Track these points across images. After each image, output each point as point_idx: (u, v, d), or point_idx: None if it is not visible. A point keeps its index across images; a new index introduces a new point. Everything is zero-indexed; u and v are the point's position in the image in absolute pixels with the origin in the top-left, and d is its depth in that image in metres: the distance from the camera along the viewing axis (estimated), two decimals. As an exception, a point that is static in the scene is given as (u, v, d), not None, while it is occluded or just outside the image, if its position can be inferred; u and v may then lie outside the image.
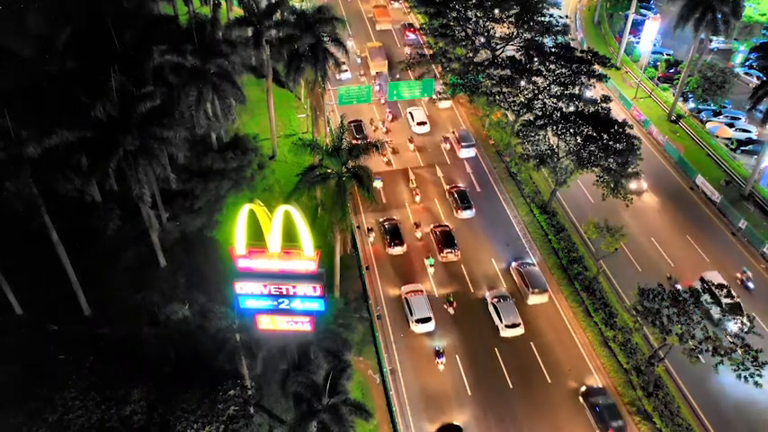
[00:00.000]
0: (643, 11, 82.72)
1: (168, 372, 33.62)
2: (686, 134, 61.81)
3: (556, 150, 47.73)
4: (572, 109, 48.96)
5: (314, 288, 29.85)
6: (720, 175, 55.63)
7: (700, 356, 33.92)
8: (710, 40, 69.98)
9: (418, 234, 47.80)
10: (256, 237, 29.51)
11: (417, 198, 51.21)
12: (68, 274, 39.23)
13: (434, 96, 61.03)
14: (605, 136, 45.36)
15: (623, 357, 39.26)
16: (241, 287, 30.05)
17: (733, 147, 59.84)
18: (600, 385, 37.92)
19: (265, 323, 31.39)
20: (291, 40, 48.24)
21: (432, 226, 48.12)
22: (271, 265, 29.45)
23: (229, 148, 53.36)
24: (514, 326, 40.17)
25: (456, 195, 50.44)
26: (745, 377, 33.02)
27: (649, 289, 36.02)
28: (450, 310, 42.10)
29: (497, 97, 53.95)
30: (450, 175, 54.74)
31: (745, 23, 72.38)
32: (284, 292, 30.03)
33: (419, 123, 59.43)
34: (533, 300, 42.56)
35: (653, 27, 68.47)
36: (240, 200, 46.01)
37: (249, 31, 52.37)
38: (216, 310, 33.06)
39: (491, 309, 41.77)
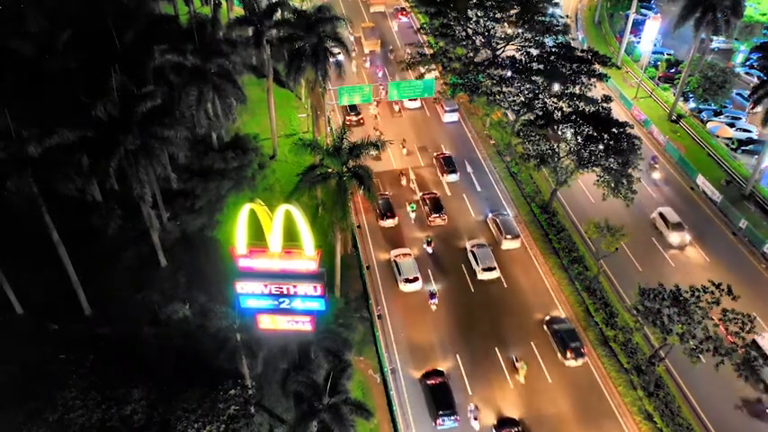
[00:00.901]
0: (643, 10, 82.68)
1: (169, 371, 33.63)
2: (687, 134, 61.79)
3: (556, 150, 47.71)
4: (573, 108, 49.01)
5: (314, 288, 29.85)
6: (721, 175, 55.62)
7: (700, 356, 33.91)
8: (711, 40, 69.91)
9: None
10: (257, 236, 29.51)
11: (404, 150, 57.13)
12: (69, 273, 39.24)
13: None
14: (606, 136, 45.36)
15: (624, 357, 39.27)
16: (242, 287, 30.05)
17: (734, 146, 59.82)
18: (562, 315, 41.99)
19: (266, 323, 31.39)
20: (292, 40, 48.26)
21: (421, 194, 51.27)
22: (271, 265, 29.45)
23: (230, 148, 53.37)
24: (490, 269, 44.24)
25: (442, 161, 54.84)
26: (746, 377, 33.01)
27: (650, 289, 36.00)
28: (429, 249, 47.00)
29: (497, 97, 53.98)
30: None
31: (746, 23, 72.38)
32: (285, 292, 30.03)
33: (411, 98, 62.80)
34: (507, 245, 47.14)
35: (653, 27, 68.44)
36: (241, 199, 46.01)
37: (250, 31, 52.39)
38: (216, 310, 33.07)
39: (470, 255, 45.71)
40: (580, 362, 38.86)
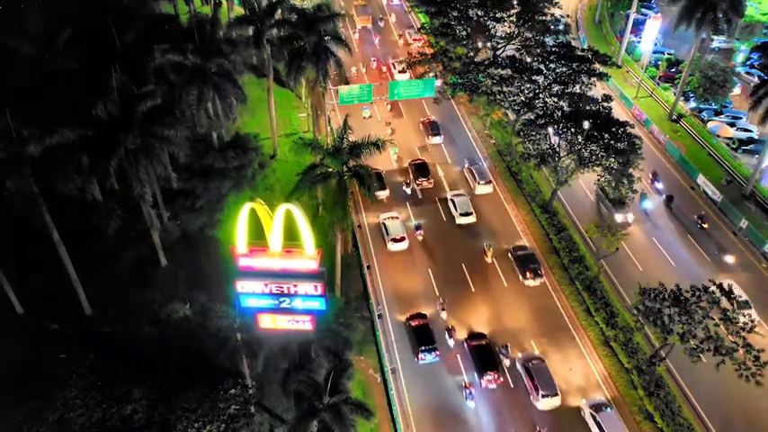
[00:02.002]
0: (644, 10, 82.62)
1: (169, 371, 33.55)
2: (687, 133, 61.74)
3: (557, 150, 47.68)
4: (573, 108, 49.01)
5: (315, 287, 29.82)
6: (721, 175, 55.57)
7: (701, 356, 33.88)
8: (711, 40, 69.89)
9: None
10: (258, 236, 29.48)
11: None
12: (69, 273, 39.23)
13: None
14: (606, 135, 45.32)
15: (624, 357, 39.24)
16: (242, 286, 30.01)
17: (734, 146, 59.78)
18: (524, 243, 47.62)
19: (266, 322, 31.36)
20: (292, 40, 48.22)
21: (410, 161, 55.66)
22: (272, 264, 29.41)
23: (230, 148, 53.33)
24: (467, 214, 49.48)
25: (428, 125, 60.17)
26: (747, 377, 32.97)
27: (650, 288, 35.96)
28: (408, 190, 52.76)
29: (498, 96, 53.95)
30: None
31: (747, 23, 72.34)
32: (285, 291, 29.99)
33: (401, 72, 67.78)
34: (480, 190, 52.72)
35: (654, 26, 68.37)
36: (241, 199, 45.98)
37: (250, 31, 52.38)
38: (217, 309, 33.05)
39: (450, 203, 50.79)
40: (538, 282, 44.05)
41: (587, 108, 48.98)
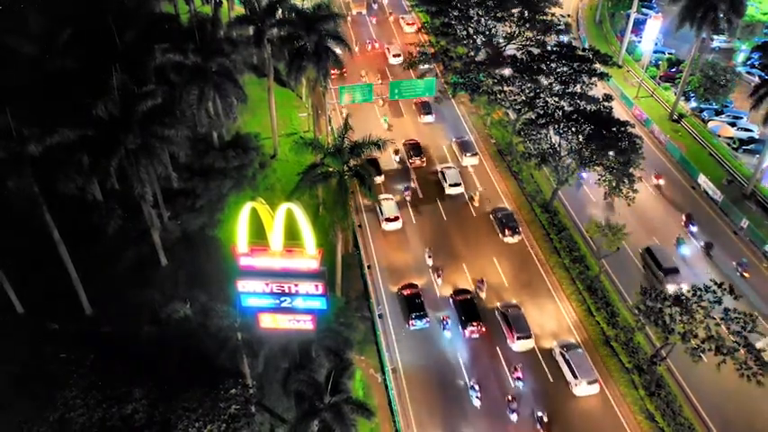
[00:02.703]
0: (645, 10, 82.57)
1: (169, 370, 33.47)
2: (688, 133, 61.70)
3: (558, 149, 47.64)
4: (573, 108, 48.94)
5: (316, 286, 29.79)
6: (722, 175, 55.54)
7: (702, 356, 33.85)
8: (712, 39, 69.83)
9: None
10: (258, 235, 29.45)
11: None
12: (69, 272, 39.21)
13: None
14: (607, 135, 45.25)
15: (625, 357, 39.20)
16: (243, 285, 29.98)
17: (735, 146, 59.74)
18: (505, 206, 51.31)
19: (267, 322, 31.32)
20: (293, 39, 48.18)
21: (403, 141, 57.95)
22: (273, 264, 29.38)
23: (231, 147, 53.29)
24: (456, 185, 52.75)
25: (420, 105, 63.15)
26: (748, 376, 32.93)
27: (651, 288, 35.92)
28: (396, 158, 55.88)
29: (498, 96, 53.91)
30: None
31: (747, 22, 72.26)
32: (286, 291, 29.96)
33: (395, 55, 70.86)
34: (466, 161, 56.08)
35: (655, 26, 68.32)
36: (242, 198, 45.94)
37: (250, 30, 52.33)
38: (217, 309, 33.01)
39: (439, 175, 54.04)
40: (516, 239, 48.06)
41: (588, 108, 48.88)
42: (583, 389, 36.86)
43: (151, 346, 35.70)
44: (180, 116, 42.63)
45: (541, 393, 37.27)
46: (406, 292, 42.60)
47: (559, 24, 61.33)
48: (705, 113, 64.43)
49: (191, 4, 64.69)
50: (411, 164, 56.13)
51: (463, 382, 37.86)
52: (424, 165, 56.00)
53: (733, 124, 62.50)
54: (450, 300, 42.59)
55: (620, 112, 59.86)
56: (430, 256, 46.05)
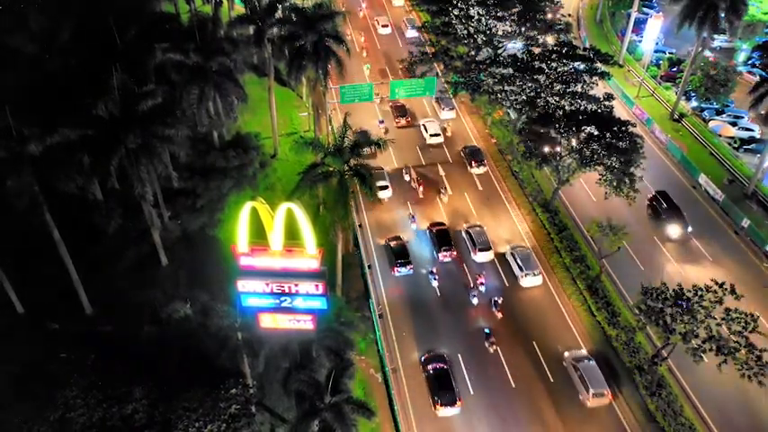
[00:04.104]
0: (645, 9, 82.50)
1: (170, 370, 33.51)
2: (689, 133, 61.63)
3: (558, 149, 47.55)
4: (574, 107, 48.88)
5: (316, 286, 29.71)
6: (723, 174, 55.48)
7: (703, 356, 33.80)
8: (713, 39, 69.74)
9: None
10: (259, 235, 29.39)
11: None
12: (70, 272, 39.19)
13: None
14: (608, 134, 45.19)
15: (626, 357, 39.16)
16: (243, 285, 29.91)
17: (736, 146, 59.68)
18: (474, 144, 58.46)
19: (267, 321, 31.25)
20: (293, 38, 48.13)
21: (390, 104, 62.64)
22: (273, 264, 29.31)
23: (231, 147, 53.26)
24: (436, 135, 58.99)
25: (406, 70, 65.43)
26: (749, 376, 32.88)
27: (652, 288, 35.88)
28: (382, 126, 60.32)
29: (499, 96, 53.82)
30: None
31: (748, 22, 72.16)
32: (286, 291, 29.88)
33: (383, 26, 78.28)
34: (444, 115, 62.56)
35: (655, 25, 68.26)
36: (242, 198, 45.90)
37: (251, 30, 52.28)
38: (218, 309, 32.97)
39: (422, 128, 60.00)
40: (482, 170, 55.13)
41: (589, 107, 48.81)
42: (528, 280, 44.30)
43: (151, 345, 35.72)
44: (180, 116, 42.58)
45: (498, 287, 44.59)
46: (392, 244, 46.56)
47: (560, 24, 61.21)
48: (706, 113, 64.36)
49: (191, 4, 64.64)
50: (397, 123, 61.17)
51: (425, 270, 45.50)
52: (409, 124, 61.40)
53: (734, 124, 62.43)
54: (427, 230, 48.40)
55: (620, 111, 59.79)
56: (420, 185, 53.31)
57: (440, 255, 46.02)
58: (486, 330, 40.52)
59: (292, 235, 29.05)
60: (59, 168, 34.61)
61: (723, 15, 56.83)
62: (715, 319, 34.15)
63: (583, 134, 45.93)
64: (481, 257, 46.06)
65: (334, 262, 41.68)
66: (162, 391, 31.98)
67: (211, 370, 32.47)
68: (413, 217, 49.97)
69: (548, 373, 38.78)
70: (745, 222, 49.20)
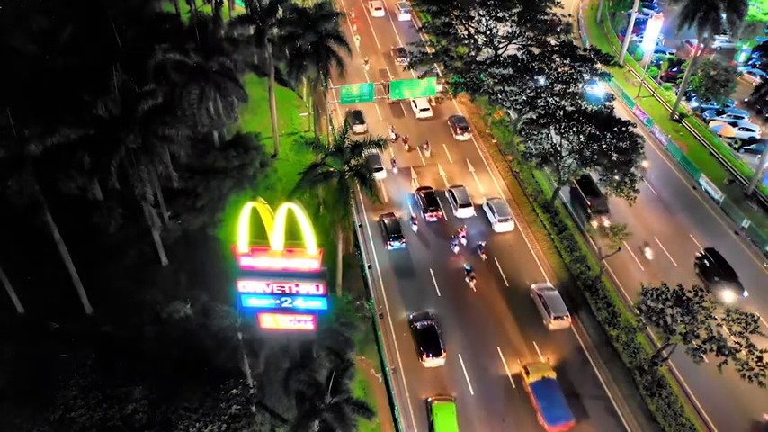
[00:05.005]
0: (645, 10, 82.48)
1: (170, 370, 33.53)
2: (689, 133, 61.62)
3: (559, 149, 47.56)
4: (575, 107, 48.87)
5: (316, 286, 29.72)
6: (723, 175, 55.48)
7: (703, 356, 33.80)
8: (713, 39, 69.68)
9: None
10: (259, 235, 29.39)
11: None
12: (70, 272, 39.17)
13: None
14: (608, 135, 45.19)
15: (627, 357, 39.17)
16: (243, 285, 29.92)
17: (736, 146, 59.66)
18: (462, 115, 62.86)
19: (268, 322, 31.27)
20: (293, 39, 48.10)
21: (381, 81, 64.98)
22: (273, 264, 29.32)
23: (231, 147, 53.18)
24: (425, 110, 62.84)
25: (398, 51, 72.82)
26: (750, 377, 32.89)
27: (653, 288, 35.89)
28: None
29: (499, 96, 53.82)
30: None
31: (749, 22, 72.06)
32: (287, 291, 29.89)
33: (377, 9, 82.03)
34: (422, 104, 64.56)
35: (656, 26, 68.26)
36: (242, 198, 45.92)
37: (251, 30, 52.23)
38: (218, 309, 32.98)
39: (412, 105, 63.67)
40: (466, 137, 59.78)
41: (589, 108, 48.81)
42: (501, 226, 49.11)
43: (152, 345, 35.74)
44: (181, 116, 42.54)
45: (482, 232, 49.55)
46: (386, 220, 48.88)
47: (560, 24, 61.19)
48: (706, 113, 64.35)
49: (191, 4, 64.53)
50: (387, 99, 62.74)
51: (406, 217, 50.29)
52: (399, 100, 63.41)
53: (734, 124, 62.42)
54: (416, 194, 52.40)
55: (621, 112, 59.81)
56: (405, 141, 58.69)
57: (426, 215, 50.26)
58: (467, 268, 45.32)
59: (293, 235, 29.06)
60: (60, 168, 34.60)
61: (723, 16, 56.75)
62: (715, 319, 34.18)
63: (583, 135, 45.90)
64: (462, 213, 50.46)
65: (335, 262, 41.68)
66: (162, 391, 31.98)
67: (212, 370, 32.49)
68: (393, 162, 55.46)
69: (516, 302, 43.57)
70: (746, 223, 49.19)
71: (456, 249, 47.35)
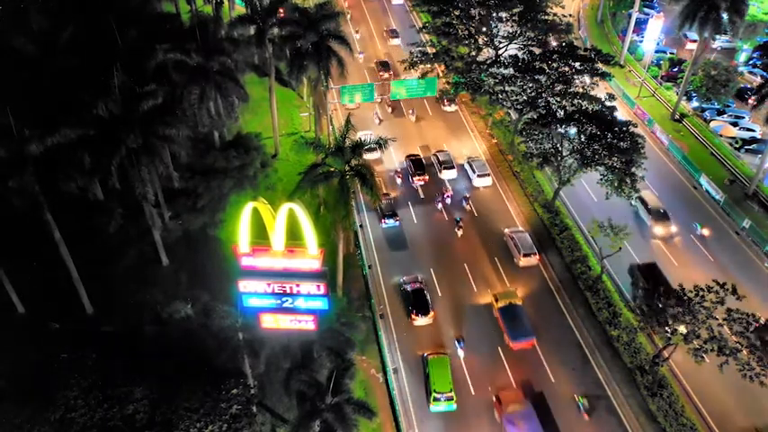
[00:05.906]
0: (646, 9, 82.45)
1: (171, 370, 33.44)
2: (690, 133, 61.59)
3: (559, 149, 47.52)
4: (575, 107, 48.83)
5: (317, 286, 29.75)
6: (724, 175, 55.44)
7: (704, 356, 33.75)
8: (714, 39, 69.71)
9: None
10: (260, 235, 29.38)
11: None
12: (71, 272, 39.13)
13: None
14: (609, 135, 45.14)
15: (627, 357, 39.12)
16: (244, 285, 29.93)
17: (737, 146, 59.63)
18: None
19: (268, 322, 31.29)
20: (294, 39, 48.10)
21: (375, 61, 71.71)
22: (274, 264, 29.34)
23: (232, 147, 53.21)
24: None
25: (389, 31, 77.89)
26: (751, 377, 32.86)
27: (653, 288, 35.84)
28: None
29: (500, 96, 53.78)
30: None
31: (749, 22, 72.09)
32: (288, 291, 29.92)
33: None
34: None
35: (656, 26, 68.22)
36: (243, 198, 45.90)
37: (252, 30, 52.24)
38: (219, 309, 33.02)
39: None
40: (453, 108, 64.19)
41: (590, 107, 48.76)
42: (479, 181, 54.28)
43: (152, 345, 35.70)
44: (181, 116, 42.56)
45: (467, 187, 54.43)
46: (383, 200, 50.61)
47: (561, 24, 61.19)
48: (707, 113, 64.32)
49: (192, 4, 64.60)
50: (380, 77, 67.36)
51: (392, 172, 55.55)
52: (391, 77, 67.28)
53: (735, 124, 62.38)
54: (405, 160, 56.54)
55: (621, 112, 59.76)
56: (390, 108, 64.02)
57: (414, 179, 54.58)
58: (457, 218, 50.27)
59: (294, 235, 29.05)
60: (60, 168, 34.59)
61: (724, 16, 56.71)
62: (716, 319, 34.14)
63: (584, 135, 45.86)
64: (446, 175, 54.95)
65: (336, 262, 41.66)
66: (163, 391, 31.94)
67: (212, 370, 32.46)
68: (378, 116, 62.05)
69: (492, 244, 48.57)
70: (747, 223, 49.15)
71: (439, 206, 51.70)
